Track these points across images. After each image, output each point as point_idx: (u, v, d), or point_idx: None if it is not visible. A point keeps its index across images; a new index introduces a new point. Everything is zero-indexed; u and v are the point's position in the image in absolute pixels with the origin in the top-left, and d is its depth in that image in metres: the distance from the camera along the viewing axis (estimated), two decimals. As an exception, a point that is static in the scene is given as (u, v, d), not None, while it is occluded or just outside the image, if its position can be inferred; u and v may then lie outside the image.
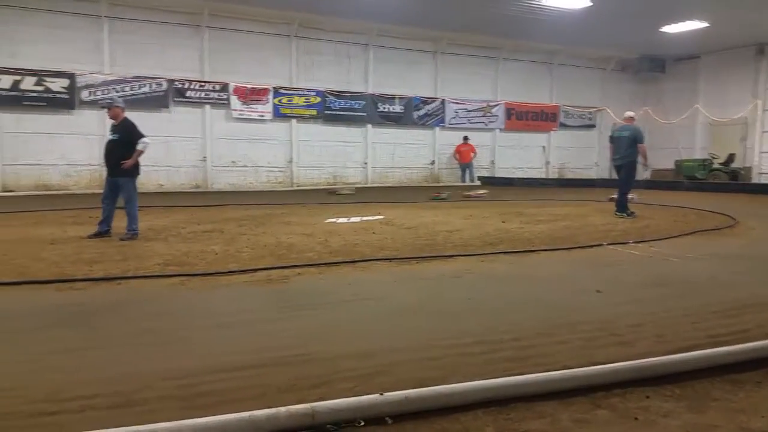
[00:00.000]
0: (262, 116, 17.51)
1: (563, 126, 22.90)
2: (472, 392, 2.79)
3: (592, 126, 23.59)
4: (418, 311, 4.59)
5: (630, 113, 11.18)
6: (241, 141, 17.49)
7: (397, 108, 19.53)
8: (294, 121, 18.06)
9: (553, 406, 2.82)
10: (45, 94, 14.99)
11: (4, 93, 14.54)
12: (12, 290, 5.14)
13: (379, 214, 10.78)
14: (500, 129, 21.54)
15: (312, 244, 7.55)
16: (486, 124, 21.23)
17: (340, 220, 10.17)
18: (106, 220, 8.00)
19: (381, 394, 2.61)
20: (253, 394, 2.85)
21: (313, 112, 18.21)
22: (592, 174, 23.03)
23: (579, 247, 7.61)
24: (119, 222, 8.04)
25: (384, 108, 19.30)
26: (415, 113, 19.81)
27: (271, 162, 18.06)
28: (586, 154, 23.46)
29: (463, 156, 20.43)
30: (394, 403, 2.60)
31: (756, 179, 20.54)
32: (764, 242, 8.42)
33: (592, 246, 7.69)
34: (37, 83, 14.88)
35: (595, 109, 23.39)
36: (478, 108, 20.95)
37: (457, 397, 2.75)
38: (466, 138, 20.35)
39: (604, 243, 7.82)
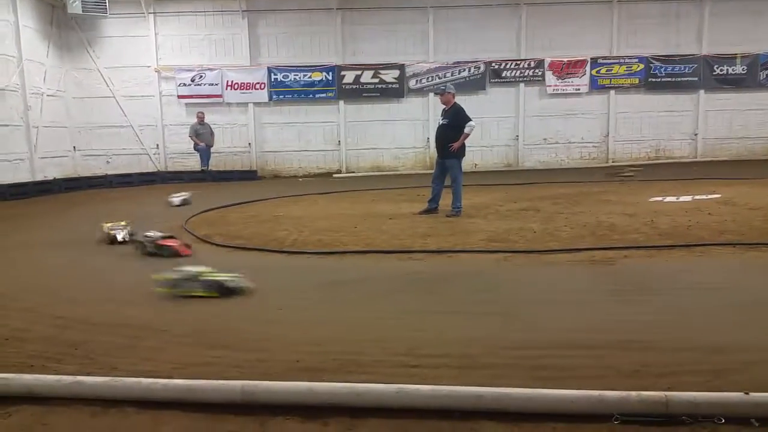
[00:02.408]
0: (578, 90, 16.96)
1: None
2: None
3: None
4: (776, 306, 4.00)
5: None
6: (553, 117, 17.25)
7: (738, 69, 16.84)
8: (612, 92, 17.05)
9: None
10: (379, 86, 17.01)
11: (347, 87, 16.95)
12: (363, 258, 6.01)
13: (715, 193, 9.56)
14: None
15: (636, 224, 7.12)
16: None
17: (667, 198, 9.33)
18: (435, 198, 8.76)
19: (746, 393, 2.38)
20: (594, 374, 2.88)
21: (635, 80, 16.91)
22: None
23: None
24: (445, 200, 8.72)
25: (721, 70, 16.87)
26: (763, 73, 16.82)
27: (585, 137, 17.42)
28: None
29: (828, 122, 16.70)
30: (762, 404, 2.35)
31: None
32: None
33: None
34: (374, 76, 16.98)
35: None
36: None
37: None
38: (833, 98, 16.58)
39: None
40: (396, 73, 16.85)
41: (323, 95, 16.86)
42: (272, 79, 16.62)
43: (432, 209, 8.71)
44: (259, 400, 2.66)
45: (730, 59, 16.83)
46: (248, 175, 16.17)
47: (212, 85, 16.55)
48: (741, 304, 4.06)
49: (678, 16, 16.88)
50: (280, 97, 16.76)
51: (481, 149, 16.78)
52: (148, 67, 16.56)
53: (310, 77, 16.73)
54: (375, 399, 2.61)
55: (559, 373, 2.93)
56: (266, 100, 16.75)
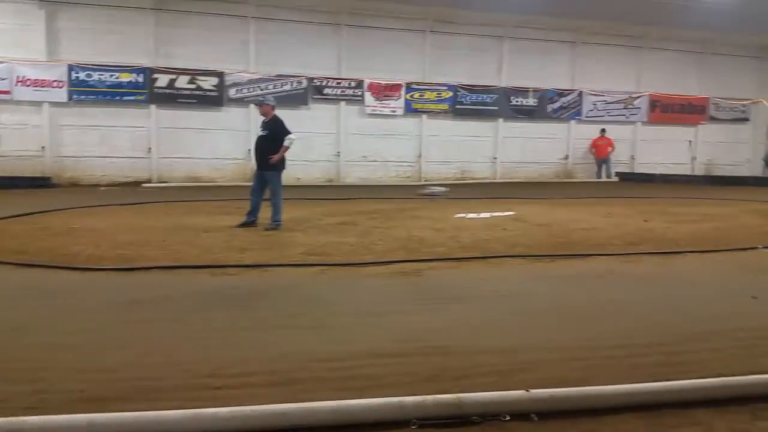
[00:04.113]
0: (394, 111, 17.83)
1: (713, 119, 21.07)
2: (621, 395, 2.73)
3: (745, 119, 21.49)
4: (556, 311, 4.51)
5: None
6: (372, 136, 17.88)
7: (531, 101, 19.01)
8: (425, 116, 18.19)
9: (707, 414, 2.72)
10: (197, 92, 16.25)
11: (160, 91, 15.93)
12: (171, 274, 5.63)
13: (510, 210, 10.61)
14: (643, 122, 20.25)
15: (442, 238, 7.60)
16: (627, 117, 20.06)
17: (470, 215, 10.13)
18: (254, 211, 8.54)
19: (527, 390, 2.62)
20: (398, 381, 2.98)
21: (445, 106, 18.23)
22: (743, 171, 21.01)
23: (730, 250, 7.08)
24: (264, 213, 8.56)
25: (517, 101, 18.90)
26: (550, 106, 19.17)
27: (400, 157, 18.31)
28: (737, 150, 21.41)
29: (600, 150, 19.47)
30: (540, 400, 2.60)
31: None
32: None
33: (745, 249, 7.11)
34: (190, 82, 16.18)
35: (749, 101, 21.27)
36: (618, 100, 19.86)
37: (605, 399, 2.70)
38: (603, 131, 19.38)
39: (760, 246, 7.19)
40: (215, 80, 16.28)
41: (132, 98, 15.68)
42: (73, 78, 15.07)
43: (250, 222, 8.49)
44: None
45: (524, 92, 18.92)
46: (40, 182, 14.42)
47: (-1, 79, 14.59)
48: (527, 309, 4.52)
49: (482, 50, 18.59)
50: (82, 97, 15.25)
51: (304, 164, 16.80)
52: None
53: (117, 78, 15.47)
54: (166, 427, 2.41)
55: (367, 382, 2.99)
56: (65, 99, 15.11)
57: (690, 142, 21.12)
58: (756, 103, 21.17)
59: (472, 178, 18.68)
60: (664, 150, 20.65)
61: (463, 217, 9.96)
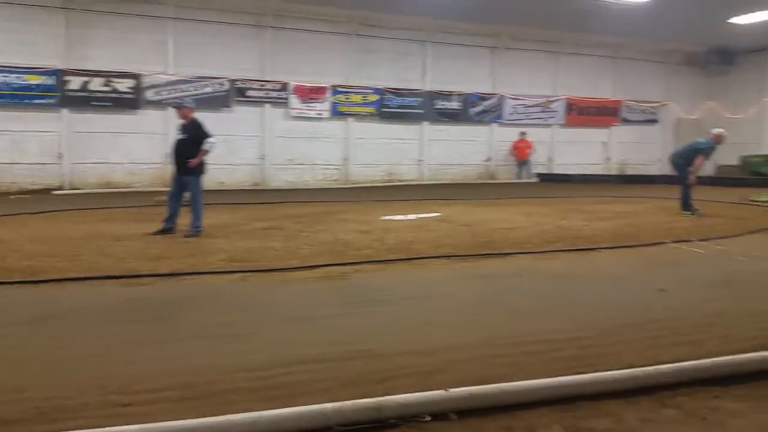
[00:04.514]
0: (320, 114, 17.71)
1: (625, 121, 22.25)
2: (537, 390, 2.80)
3: (655, 121, 22.83)
4: (477, 309, 4.59)
5: (719, 131, 10.67)
6: (298, 139, 17.69)
7: (454, 105, 19.38)
8: (351, 119, 18.19)
9: (618, 404, 2.82)
10: (111, 95, 15.51)
11: (73, 94, 15.12)
12: (81, 285, 5.33)
13: (435, 212, 10.76)
14: (560, 124, 21.09)
15: (368, 241, 7.60)
16: (545, 120, 20.83)
17: (396, 217, 10.19)
18: (172, 217, 8.22)
19: (446, 390, 2.64)
20: (320, 388, 2.93)
21: (371, 109, 18.28)
22: (653, 170, 22.29)
23: (641, 245, 7.46)
24: (184, 219, 8.27)
25: (441, 105, 19.20)
26: (472, 110, 19.62)
27: (327, 160, 18.22)
28: (647, 150, 22.70)
29: (520, 152, 20.12)
30: (459, 399, 2.63)
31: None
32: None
33: (655, 244, 7.53)
34: (105, 84, 15.41)
35: (658, 104, 22.62)
36: (537, 103, 20.59)
37: (522, 394, 2.76)
38: (522, 134, 20.02)
39: (668, 241, 7.64)
40: (131, 82, 15.62)
41: (42, 101, 14.81)
42: (-26, 80, 14.12)
43: (168, 229, 8.16)
44: None
45: (447, 96, 19.27)
46: (-62, 192, 13.40)
47: None
48: (450, 309, 4.58)
49: (406, 54, 18.79)
50: (-16, 100, 14.30)
51: (228, 167, 16.42)
52: None
53: (25, 80, 14.57)
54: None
55: (290, 390, 2.93)
56: (-35, 103, 14.14)
57: (604, 143, 22.21)
58: (664, 105, 22.55)
59: (400, 180, 18.85)
60: (581, 151, 21.61)
61: (390, 219, 10.01)
